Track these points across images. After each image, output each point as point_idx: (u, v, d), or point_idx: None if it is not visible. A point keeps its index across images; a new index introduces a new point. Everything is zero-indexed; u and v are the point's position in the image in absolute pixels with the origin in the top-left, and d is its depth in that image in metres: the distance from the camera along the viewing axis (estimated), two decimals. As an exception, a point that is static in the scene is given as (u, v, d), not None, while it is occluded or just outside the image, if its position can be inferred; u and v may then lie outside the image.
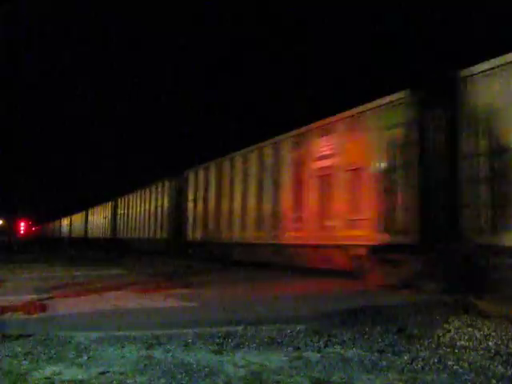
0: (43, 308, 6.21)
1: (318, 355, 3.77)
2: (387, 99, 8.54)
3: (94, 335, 4.40)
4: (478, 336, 4.26)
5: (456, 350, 3.88)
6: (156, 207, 20.79)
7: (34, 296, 7.20)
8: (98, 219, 34.37)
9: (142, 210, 22.95)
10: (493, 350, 3.84)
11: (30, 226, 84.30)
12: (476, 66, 7.07)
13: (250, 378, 3.20)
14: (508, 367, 3.40)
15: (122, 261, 16.63)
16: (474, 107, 7.06)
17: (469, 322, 4.81)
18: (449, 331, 4.47)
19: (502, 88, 6.67)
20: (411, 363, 3.51)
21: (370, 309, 5.67)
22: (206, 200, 15.80)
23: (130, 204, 25.40)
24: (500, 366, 3.43)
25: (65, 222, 54.11)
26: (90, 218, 38.48)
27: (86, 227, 39.90)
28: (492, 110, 6.77)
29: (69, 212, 50.92)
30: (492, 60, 6.84)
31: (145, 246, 22.38)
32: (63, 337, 4.29)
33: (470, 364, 3.49)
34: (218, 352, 3.85)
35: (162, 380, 3.14)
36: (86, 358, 3.66)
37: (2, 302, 6.54)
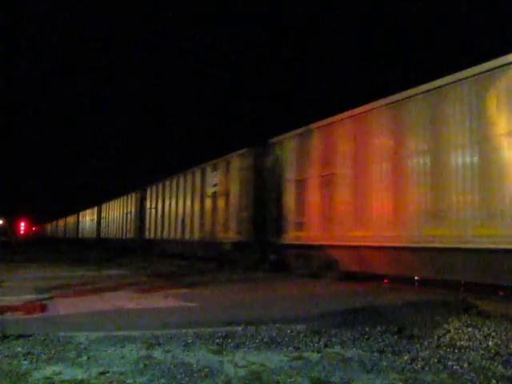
0: (43, 308, 6.22)
1: (318, 355, 3.77)
2: (239, 152, 13.25)
3: (93, 335, 4.40)
4: (478, 336, 4.26)
5: (456, 350, 3.88)
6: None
7: (34, 296, 7.20)
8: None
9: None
10: (493, 350, 3.84)
11: (30, 225, 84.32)
12: (275, 138, 11.94)
13: (250, 378, 3.20)
14: (508, 367, 3.40)
15: (122, 261, 16.64)
16: (277, 158, 11.70)
17: (469, 321, 4.81)
18: (449, 331, 4.47)
19: (285, 149, 11.53)
20: (411, 363, 3.51)
21: (370, 309, 5.68)
22: (157, 208, 19.90)
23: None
24: (500, 366, 3.43)
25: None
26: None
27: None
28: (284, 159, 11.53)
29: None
30: (286, 133, 11.60)
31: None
32: (63, 337, 4.29)
33: (470, 364, 3.49)
34: (218, 352, 3.85)
35: (162, 380, 3.14)
36: (85, 358, 3.66)
37: (2, 302, 6.55)
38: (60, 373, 3.29)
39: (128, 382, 3.12)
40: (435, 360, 3.58)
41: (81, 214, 40.43)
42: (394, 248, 8.12)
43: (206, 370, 3.34)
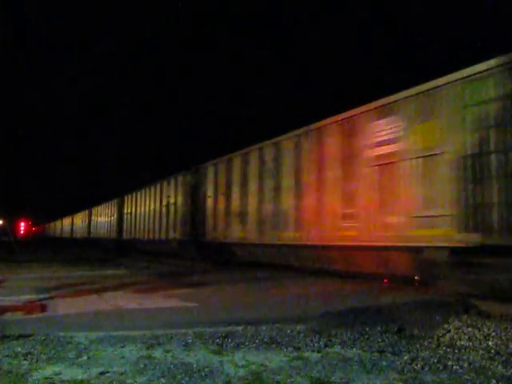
0: (43, 308, 6.22)
1: (318, 355, 3.77)
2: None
3: (93, 335, 4.40)
4: (477, 336, 4.26)
5: (456, 350, 3.88)
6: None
7: (34, 296, 7.20)
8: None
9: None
10: (493, 350, 3.84)
11: (30, 225, 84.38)
12: (201, 164, 9.30)
13: (250, 378, 3.20)
14: (508, 367, 3.40)
15: (122, 261, 16.65)
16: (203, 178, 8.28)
17: (469, 322, 4.80)
18: (449, 331, 4.47)
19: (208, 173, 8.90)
20: (411, 363, 3.51)
21: (370, 309, 5.67)
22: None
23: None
24: (500, 366, 3.43)
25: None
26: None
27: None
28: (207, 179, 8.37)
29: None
30: (207, 162, 10.78)
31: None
32: (63, 337, 4.29)
33: (469, 364, 3.49)
34: (218, 352, 3.85)
35: (162, 380, 3.14)
36: (85, 358, 3.66)
37: (2, 302, 6.55)
38: (60, 373, 3.29)
39: (128, 382, 3.12)
40: (435, 360, 3.58)
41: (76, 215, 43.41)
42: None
43: (206, 369, 3.34)
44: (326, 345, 4.07)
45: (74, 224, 45.15)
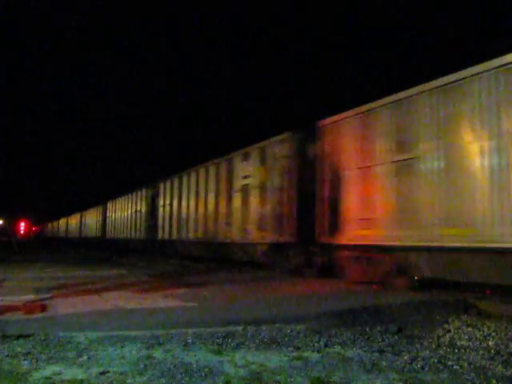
0: (43, 308, 6.22)
1: (318, 355, 3.77)
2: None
3: (93, 335, 4.40)
4: (478, 336, 4.26)
5: (456, 350, 3.88)
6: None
7: (34, 296, 7.20)
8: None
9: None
10: (493, 350, 3.84)
11: (30, 225, 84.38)
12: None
13: (250, 378, 3.20)
14: (508, 367, 3.40)
15: (121, 261, 16.65)
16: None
17: (469, 322, 4.81)
18: (449, 331, 4.47)
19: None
20: (411, 363, 3.51)
21: (370, 309, 5.68)
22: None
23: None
24: (500, 366, 3.43)
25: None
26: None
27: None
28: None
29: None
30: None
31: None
32: (63, 337, 4.29)
33: (469, 364, 3.49)
34: (218, 352, 3.85)
35: (162, 380, 3.14)
36: (85, 358, 3.66)
37: (2, 302, 6.55)
38: (60, 373, 3.29)
39: (128, 382, 3.12)
40: (435, 360, 3.58)
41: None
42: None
43: (206, 369, 3.34)
44: (326, 345, 4.07)
45: (68, 225, 49.13)
